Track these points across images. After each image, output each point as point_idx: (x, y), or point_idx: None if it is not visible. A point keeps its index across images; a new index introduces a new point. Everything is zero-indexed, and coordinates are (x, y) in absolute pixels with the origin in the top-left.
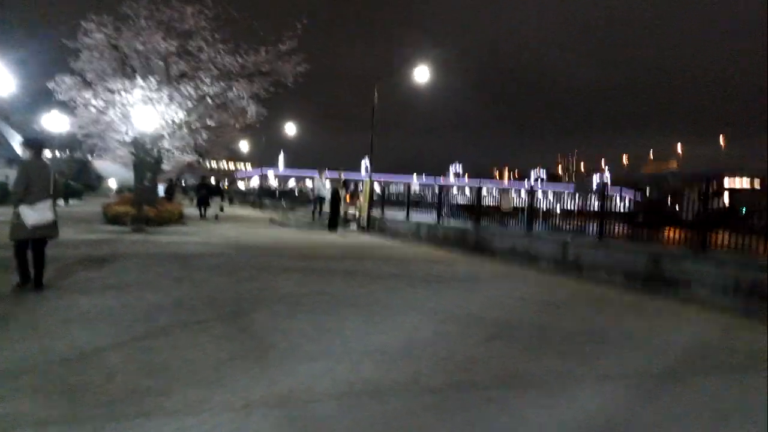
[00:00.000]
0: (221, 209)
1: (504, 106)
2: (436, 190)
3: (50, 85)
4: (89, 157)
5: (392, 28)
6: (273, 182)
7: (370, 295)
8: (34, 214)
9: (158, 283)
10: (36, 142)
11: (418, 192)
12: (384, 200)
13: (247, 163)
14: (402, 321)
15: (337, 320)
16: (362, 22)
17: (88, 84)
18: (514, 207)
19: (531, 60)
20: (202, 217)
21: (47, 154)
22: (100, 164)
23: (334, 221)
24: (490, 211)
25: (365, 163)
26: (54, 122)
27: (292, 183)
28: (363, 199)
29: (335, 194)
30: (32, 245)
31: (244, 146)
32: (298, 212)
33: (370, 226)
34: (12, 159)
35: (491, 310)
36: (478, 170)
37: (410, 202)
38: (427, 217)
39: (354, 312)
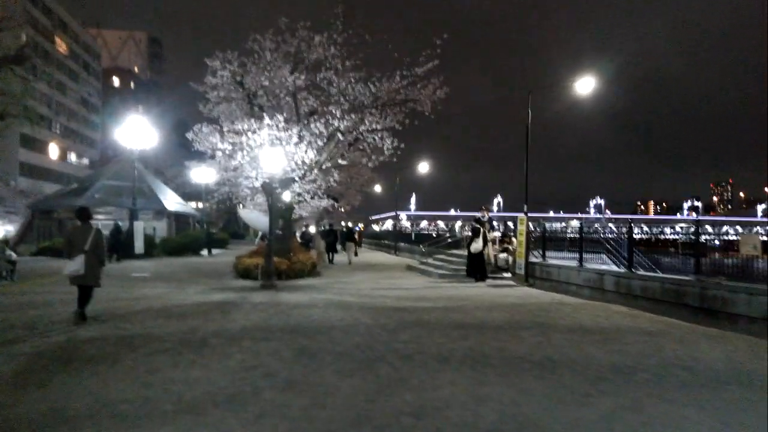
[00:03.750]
0: (355, 254)
1: (641, 135)
2: (614, 226)
3: (189, 135)
4: (236, 206)
5: (516, 68)
6: (406, 224)
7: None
8: (71, 266)
9: (259, 396)
10: (79, 211)
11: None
12: (545, 241)
13: (341, 207)
14: None
15: None
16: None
17: (216, 124)
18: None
19: (668, 84)
20: (331, 262)
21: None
22: (246, 213)
23: (481, 268)
24: (713, 255)
25: (498, 200)
26: (201, 174)
27: (423, 224)
28: (518, 241)
29: (475, 235)
30: (79, 289)
31: (376, 188)
32: (438, 257)
33: (530, 274)
34: (159, 211)
35: None
36: (619, 204)
37: (583, 242)
38: (598, 261)
39: None
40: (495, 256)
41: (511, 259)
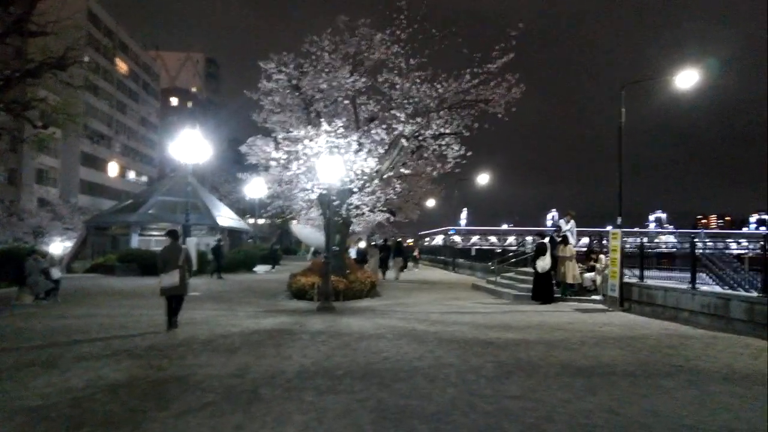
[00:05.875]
0: (401, 270)
1: (697, 148)
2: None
3: (243, 148)
4: (288, 222)
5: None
6: (457, 238)
7: None
8: (166, 280)
9: None
10: (170, 232)
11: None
12: (642, 258)
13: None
14: None
15: None
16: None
17: (270, 136)
18: None
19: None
20: (383, 278)
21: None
22: (299, 228)
23: (548, 290)
24: None
25: (553, 214)
26: (254, 187)
27: (474, 239)
28: (610, 258)
29: (541, 252)
30: (171, 300)
31: (429, 203)
32: (506, 275)
33: (625, 297)
34: (213, 227)
35: None
36: (679, 218)
37: (695, 260)
38: (697, 281)
39: None
40: (579, 275)
41: (599, 279)
